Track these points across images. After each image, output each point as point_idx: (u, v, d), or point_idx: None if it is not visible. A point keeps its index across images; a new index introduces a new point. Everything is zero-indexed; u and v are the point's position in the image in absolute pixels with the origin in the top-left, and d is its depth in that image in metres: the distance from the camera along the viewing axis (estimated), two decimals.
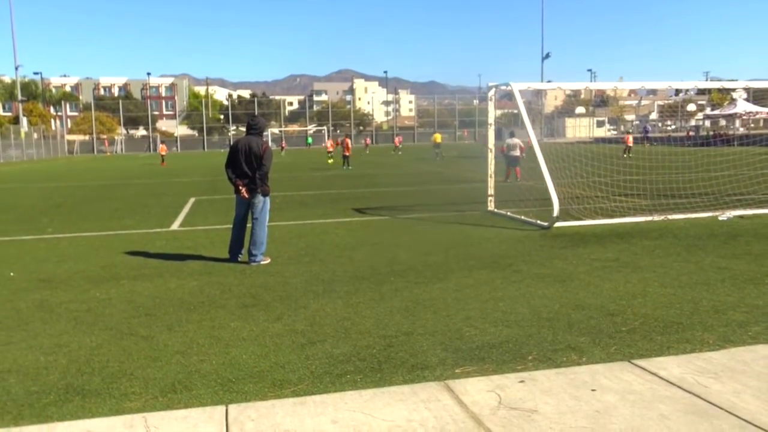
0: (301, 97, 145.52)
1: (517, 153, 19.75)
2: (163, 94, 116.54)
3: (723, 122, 58.69)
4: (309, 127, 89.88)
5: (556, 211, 10.31)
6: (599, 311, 5.58)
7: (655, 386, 3.92)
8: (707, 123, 64.21)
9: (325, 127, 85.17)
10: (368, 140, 65.22)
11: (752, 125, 55.27)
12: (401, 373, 4.27)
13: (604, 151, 24.33)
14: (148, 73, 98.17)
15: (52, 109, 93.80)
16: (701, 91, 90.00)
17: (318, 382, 4.17)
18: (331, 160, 34.77)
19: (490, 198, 12.79)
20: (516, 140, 20.10)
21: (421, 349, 4.73)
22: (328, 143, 38.86)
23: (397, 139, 56.70)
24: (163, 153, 42.08)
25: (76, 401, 3.99)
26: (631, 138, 35.05)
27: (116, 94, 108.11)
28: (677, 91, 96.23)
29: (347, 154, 30.00)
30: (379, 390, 3.99)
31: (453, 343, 4.84)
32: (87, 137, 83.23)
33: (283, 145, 59.24)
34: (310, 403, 3.81)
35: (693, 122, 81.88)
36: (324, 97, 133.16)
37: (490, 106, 13.00)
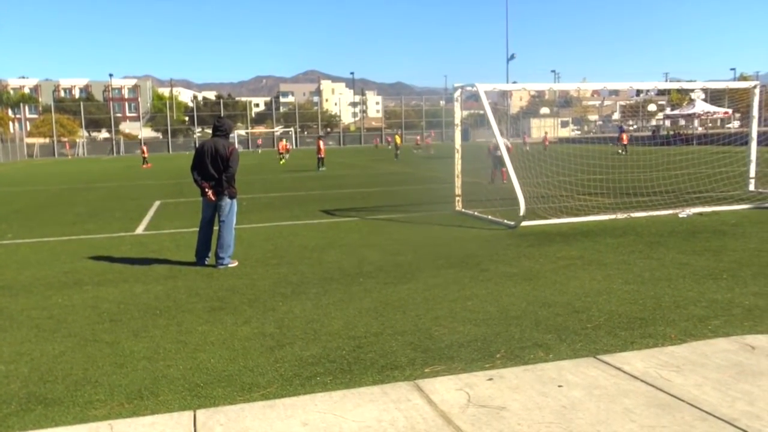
0: (268, 99, 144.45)
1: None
2: (126, 96, 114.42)
3: (682, 122, 60.16)
4: (276, 129, 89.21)
5: (522, 211, 10.44)
6: (565, 308, 5.67)
7: (619, 381, 4.00)
8: (667, 123, 65.74)
9: (292, 129, 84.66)
10: (428, 140, 59.99)
11: (710, 125, 56.79)
12: (371, 374, 4.28)
13: (568, 151, 24.71)
14: (110, 75, 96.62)
15: (10, 112, 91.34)
16: (661, 92, 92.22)
17: (287, 385, 4.15)
18: (283, 161, 38.59)
19: (457, 198, 12.88)
20: (503, 139, 19.10)
21: (391, 350, 4.75)
22: (280, 145, 42.04)
23: (428, 139, 55.49)
24: (146, 155, 43.13)
25: (38, 410, 3.89)
26: (626, 136, 36.67)
27: (77, 96, 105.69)
28: (638, 92, 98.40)
29: (321, 156, 30.33)
30: (349, 391, 3.99)
31: (422, 343, 4.87)
32: (47, 140, 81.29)
33: (288, 147, 53.86)
34: (280, 406, 3.79)
35: (654, 122, 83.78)
36: (291, 99, 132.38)
37: (457, 107, 13.12)
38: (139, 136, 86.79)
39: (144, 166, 40.24)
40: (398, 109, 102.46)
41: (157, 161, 49.81)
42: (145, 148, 44.94)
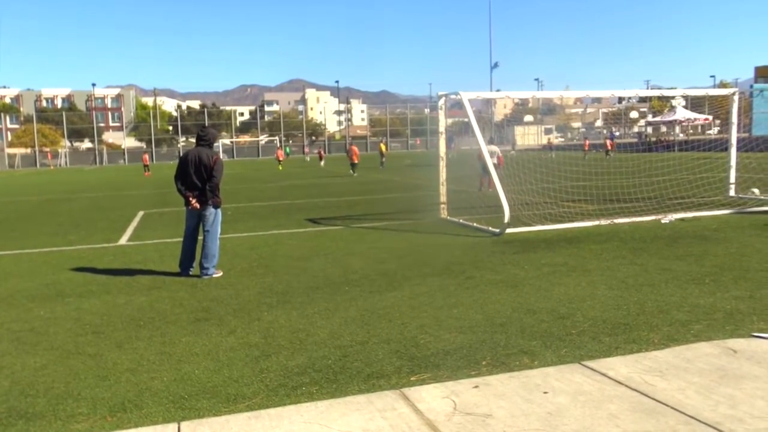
0: (252, 108, 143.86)
1: (494, 161, 18.73)
2: (109, 106, 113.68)
3: (664, 129, 60.86)
4: (261, 138, 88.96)
5: (507, 218, 10.49)
6: (550, 315, 5.69)
7: (604, 386, 4.02)
8: (649, 129, 66.51)
9: (277, 138, 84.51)
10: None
11: (691, 131, 57.50)
12: (357, 383, 4.27)
13: (552, 157, 24.90)
14: (93, 84, 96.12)
15: None
16: (642, 99, 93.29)
17: (273, 395, 4.13)
18: (281, 167, 41.53)
19: (442, 206, 12.92)
20: (494, 148, 18.95)
21: (377, 358, 4.74)
22: (278, 152, 45.81)
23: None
24: (147, 163, 45.03)
25: (19, 425, 3.84)
26: (609, 143, 40.45)
27: (59, 106, 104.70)
28: (620, 99, 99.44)
29: (356, 161, 31.77)
30: (335, 401, 3.97)
31: (408, 351, 4.87)
32: (29, 150, 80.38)
33: (322, 154, 50.67)
34: (265, 417, 3.77)
35: (636, 128, 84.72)
36: (275, 107, 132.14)
37: (441, 114, 13.17)
38: (123, 146, 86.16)
39: (146, 174, 42.13)
40: (383, 117, 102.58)
41: (141, 171, 49.48)
42: (146, 157, 46.62)
